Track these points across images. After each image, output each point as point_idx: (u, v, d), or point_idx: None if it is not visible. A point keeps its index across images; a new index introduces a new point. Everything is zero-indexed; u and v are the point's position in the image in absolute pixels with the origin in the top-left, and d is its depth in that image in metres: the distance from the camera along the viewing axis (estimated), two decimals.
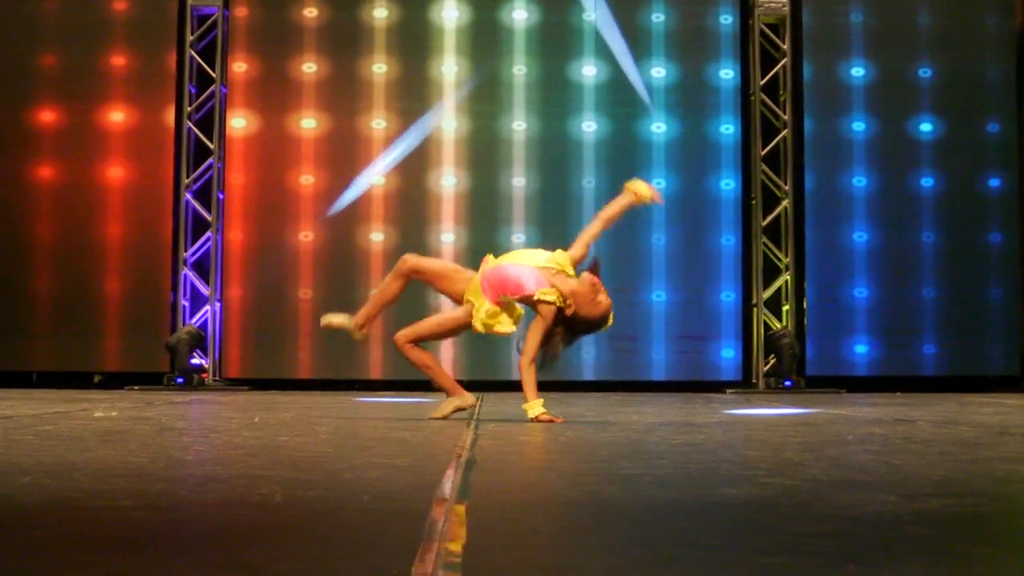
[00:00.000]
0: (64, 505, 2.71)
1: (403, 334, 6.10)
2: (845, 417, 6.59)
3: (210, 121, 11.85)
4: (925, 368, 11.77)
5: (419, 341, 6.13)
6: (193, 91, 11.90)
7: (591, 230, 6.03)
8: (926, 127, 11.93)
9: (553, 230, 11.42)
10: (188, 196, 11.75)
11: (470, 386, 11.39)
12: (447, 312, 6.41)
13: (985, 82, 12.03)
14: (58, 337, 11.57)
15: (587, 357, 11.47)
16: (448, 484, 3.04)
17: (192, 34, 11.88)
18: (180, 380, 11.16)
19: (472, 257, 11.57)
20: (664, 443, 4.58)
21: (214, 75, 11.83)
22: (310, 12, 11.81)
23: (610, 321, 5.76)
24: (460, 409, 6.06)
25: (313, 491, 2.98)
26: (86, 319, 11.57)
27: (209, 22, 11.95)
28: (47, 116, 11.78)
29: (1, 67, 11.85)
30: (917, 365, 11.77)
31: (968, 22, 12.05)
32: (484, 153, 11.74)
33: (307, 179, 11.65)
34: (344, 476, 3.30)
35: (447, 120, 11.75)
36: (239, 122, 11.73)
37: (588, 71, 11.76)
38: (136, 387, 10.99)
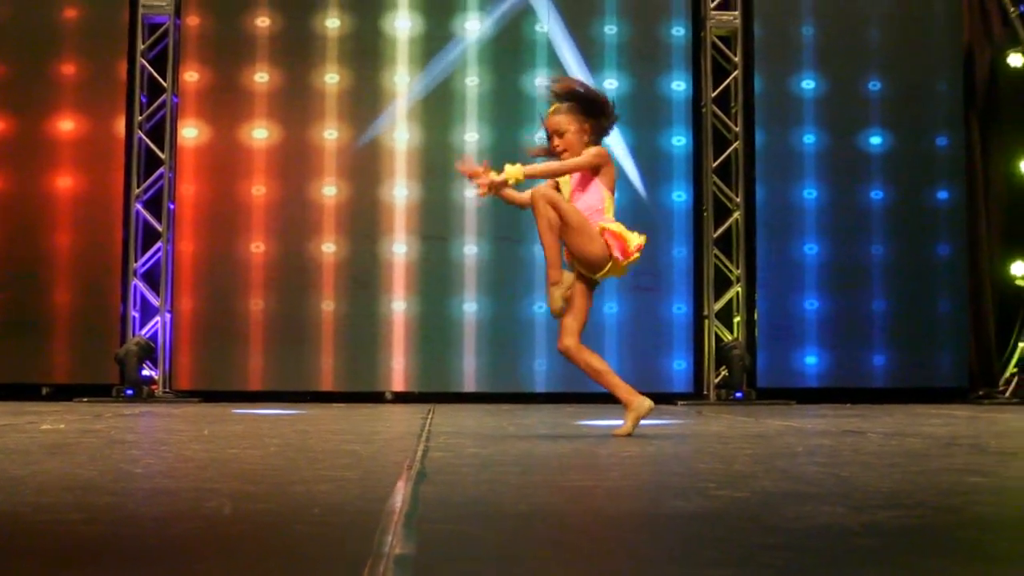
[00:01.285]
0: (9, 519, 2.69)
1: (572, 341, 6.04)
2: (795, 429, 6.62)
3: (161, 131, 11.77)
4: (875, 379, 11.85)
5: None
6: (144, 100, 11.82)
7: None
8: (876, 140, 12.03)
9: (506, 242, 11.44)
10: (138, 206, 11.67)
11: (421, 398, 11.44)
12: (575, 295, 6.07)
13: (933, 96, 12.14)
14: (5, 348, 11.43)
15: (539, 369, 11.48)
16: (398, 497, 3.03)
17: (143, 43, 11.81)
18: (130, 392, 11.07)
19: (425, 268, 11.60)
20: (615, 455, 4.59)
21: (165, 84, 11.76)
22: (262, 21, 11.76)
23: None
24: (639, 418, 5.82)
25: (262, 504, 2.97)
26: (34, 330, 11.43)
27: (160, 31, 11.87)
28: None
29: None
30: (867, 376, 11.84)
31: (917, 37, 12.16)
32: (436, 164, 11.72)
33: (259, 189, 11.60)
34: (294, 489, 3.28)
35: (399, 131, 11.73)
36: (190, 132, 11.66)
37: (541, 82, 11.77)
38: (85, 399, 10.89)
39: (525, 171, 5.77)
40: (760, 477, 3.64)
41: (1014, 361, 12.19)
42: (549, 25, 11.83)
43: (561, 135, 5.88)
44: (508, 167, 5.79)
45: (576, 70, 11.69)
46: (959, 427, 6.76)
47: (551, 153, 5.98)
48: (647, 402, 5.79)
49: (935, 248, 11.96)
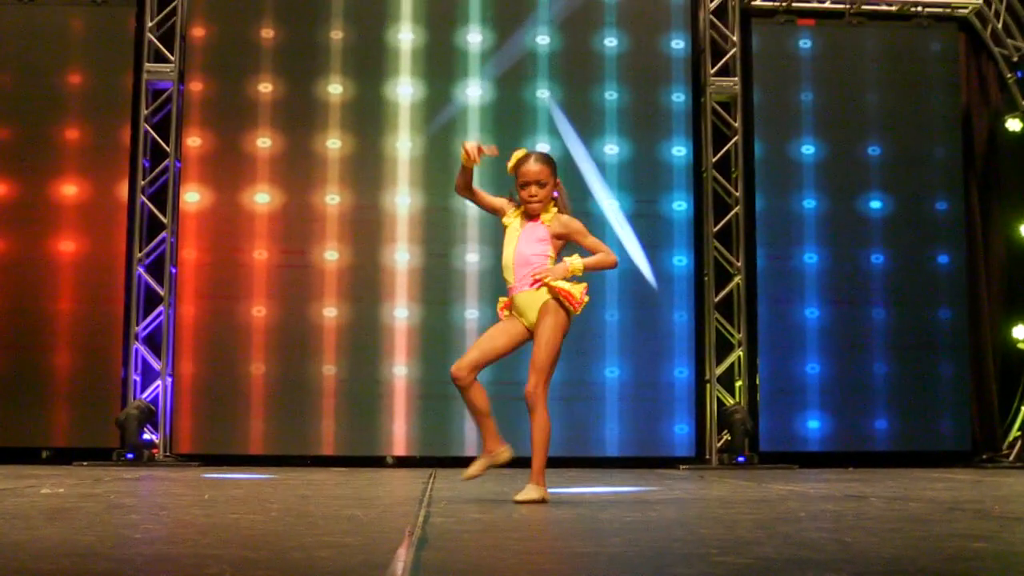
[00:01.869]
0: None
1: (466, 369, 5.85)
2: (798, 493, 6.60)
3: (163, 195, 11.83)
4: (877, 443, 11.82)
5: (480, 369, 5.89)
6: (147, 165, 11.88)
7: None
8: (876, 204, 12.08)
9: None
10: (140, 270, 11.70)
11: (422, 463, 11.41)
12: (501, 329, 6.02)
13: (932, 160, 12.21)
14: (5, 412, 11.41)
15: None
16: (399, 564, 3.01)
17: (147, 108, 11.90)
18: (130, 456, 11.04)
19: (426, 333, 11.59)
20: (617, 521, 4.57)
21: (168, 149, 11.83)
22: (265, 87, 11.84)
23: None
24: (493, 465, 5.90)
25: (263, 571, 2.95)
26: (34, 393, 11.42)
27: (164, 96, 11.96)
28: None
29: None
30: (869, 440, 11.82)
31: (915, 102, 12.26)
32: (437, 228, 11.76)
33: (260, 254, 11.63)
34: (294, 556, 3.27)
35: (400, 195, 11.77)
36: (192, 196, 11.70)
37: (542, 147, 11.83)
38: (85, 463, 10.85)
39: (585, 263, 5.88)
40: (763, 543, 3.62)
41: (1017, 424, 12.17)
42: (550, 96, 11.91)
43: (542, 186, 5.94)
44: (571, 261, 5.86)
45: (575, 136, 11.77)
46: (962, 491, 6.73)
47: (520, 202, 6.02)
48: (507, 453, 5.89)
49: (936, 312, 11.98)
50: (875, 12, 12.50)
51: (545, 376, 5.77)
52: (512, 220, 6.05)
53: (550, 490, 5.92)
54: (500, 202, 6.19)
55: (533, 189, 5.93)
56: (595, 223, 11.71)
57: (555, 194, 6.00)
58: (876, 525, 4.34)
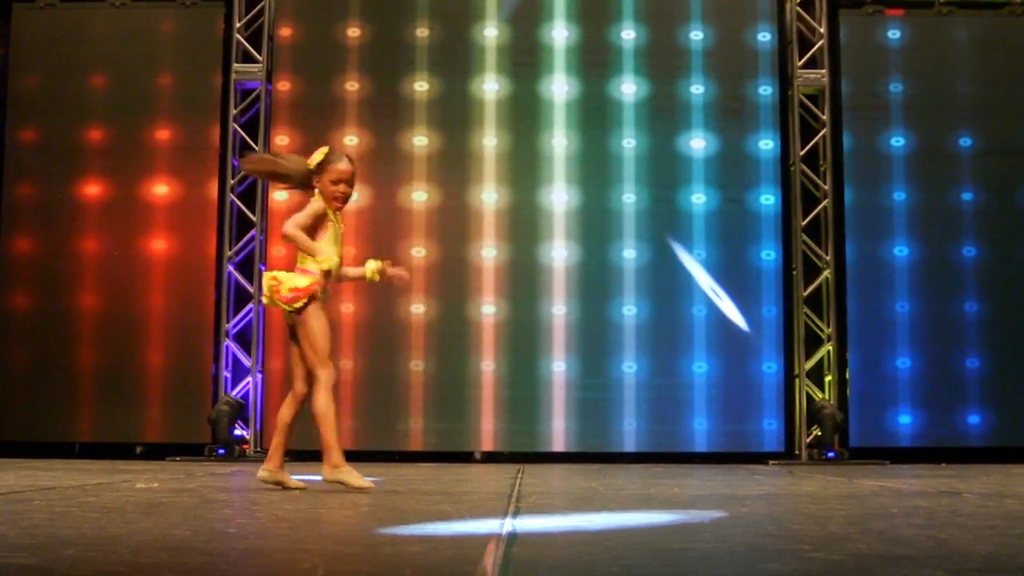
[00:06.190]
0: None
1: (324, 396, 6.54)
2: (890, 489, 6.52)
3: (252, 193, 11.95)
4: (970, 439, 11.64)
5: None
6: (236, 164, 12.02)
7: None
8: (967, 196, 11.89)
9: (595, 302, 11.47)
10: (230, 268, 11.84)
11: (509, 458, 11.42)
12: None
13: None
14: (100, 408, 11.62)
15: (628, 428, 11.42)
16: (490, 559, 3.02)
17: (235, 108, 12.03)
18: (221, 451, 11.18)
19: (513, 329, 11.61)
20: (706, 516, 4.55)
21: (257, 148, 11.95)
22: (351, 85, 11.93)
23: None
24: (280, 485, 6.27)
25: (354, 565, 2.98)
26: (128, 390, 11.61)
27: (252, 96, 12.10)
28: (92, 189, 11.92)
29: (49, 141, 12.02)
30: (962, 436, 11.64)
31: (1008, 91, 12.04)
32: (527, 224, 11.76)
33: (348, 251, 11.68)
34: (385, 550, 3.29)
35: (487, 191, 11.78)
36: (281, 194, 11.80)
37: (628, 143, 11.80)
38: (177, 458, 11.00)
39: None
40: (856, 539, 3.58)
41: None
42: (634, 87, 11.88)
43: (352, 186, 6.33)
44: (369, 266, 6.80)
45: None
46: None
47: (331, 199, 6.27)
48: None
49: None
50: (966, 1, 12.30)
51: None
52: (333, 218, 6.30)
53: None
54: (315, 211, 6.28)
55: (347, 188, 6.19)
56: (682, 217, 11.68)
57: None
58: (971, 522, 4.27)
